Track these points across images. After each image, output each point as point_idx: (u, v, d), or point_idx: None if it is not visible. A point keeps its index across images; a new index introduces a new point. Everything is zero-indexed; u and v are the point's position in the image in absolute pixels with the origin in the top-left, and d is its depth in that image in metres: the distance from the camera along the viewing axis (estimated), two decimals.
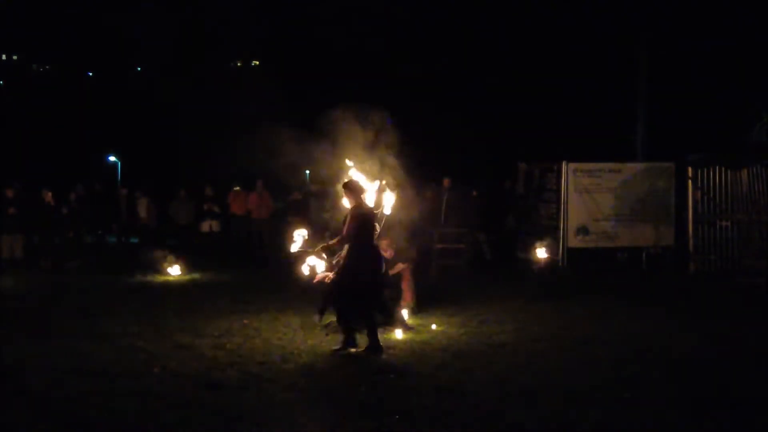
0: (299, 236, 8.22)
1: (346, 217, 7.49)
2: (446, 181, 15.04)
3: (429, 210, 14.71)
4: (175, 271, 13.27)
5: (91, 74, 46.98)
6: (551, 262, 13.43)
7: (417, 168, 9.76)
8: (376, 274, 7.43)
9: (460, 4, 24.43)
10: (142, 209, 17.42)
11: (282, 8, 29.17)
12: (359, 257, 7.30)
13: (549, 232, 14.07)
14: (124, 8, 33.90)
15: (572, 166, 14.00)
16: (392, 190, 8.46)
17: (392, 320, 8.37)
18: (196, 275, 13.21)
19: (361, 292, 7.31)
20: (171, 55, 31.70)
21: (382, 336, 8.01)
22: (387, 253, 8.57)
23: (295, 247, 8.19)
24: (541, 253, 12.38)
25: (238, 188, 17.52)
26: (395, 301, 8.91)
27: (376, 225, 7.65)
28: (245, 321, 8.85)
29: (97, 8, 36.14)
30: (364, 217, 7.38)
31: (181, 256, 13.72)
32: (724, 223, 13.29)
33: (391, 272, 8.82)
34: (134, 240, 17.81)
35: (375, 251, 7.53)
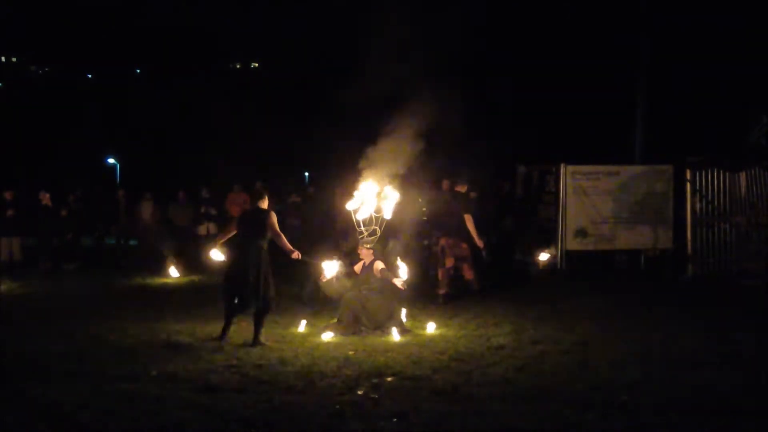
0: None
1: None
2: (445, 183, 15.01)
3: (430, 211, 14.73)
4: (173, 273, 13.27)
5: (90, 75, 47.00)
6: (550, 265, 13.43)
7: (418, 169, 9.78)
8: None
9: (457, 4, 24.43)
10: (146, 211, 17.32)
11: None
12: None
13: (547, 234, 14.07)
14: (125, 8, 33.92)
15: (570, 168, 13.99)
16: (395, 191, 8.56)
17: (390, 322, 8.36)
18: (194, 278, 13.20)
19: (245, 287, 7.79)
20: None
21: (380, 338, 8.04)
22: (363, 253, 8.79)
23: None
24: (540, 255, 12.38)
25: (236, 189, 17.41)
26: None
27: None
28: (243, 323, 8.83)
29: (97, 8, 36.16)
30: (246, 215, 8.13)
31: (179, 259, 13.71)
32: (722, 226, 13.30)
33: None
34: (133, 242, 17.77)
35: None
